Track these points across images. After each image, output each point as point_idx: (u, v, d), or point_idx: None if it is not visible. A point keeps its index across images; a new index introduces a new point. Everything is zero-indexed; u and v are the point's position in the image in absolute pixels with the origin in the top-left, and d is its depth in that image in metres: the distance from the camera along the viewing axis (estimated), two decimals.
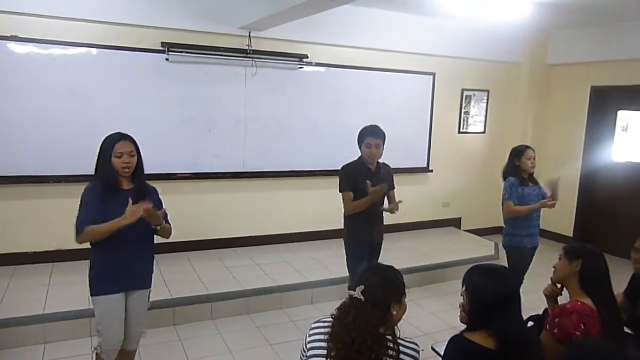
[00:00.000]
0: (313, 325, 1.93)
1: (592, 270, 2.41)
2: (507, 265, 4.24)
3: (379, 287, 1.88)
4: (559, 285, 2.57)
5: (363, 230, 3.84)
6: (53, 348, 3.73)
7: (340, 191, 3.82)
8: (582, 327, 2.20)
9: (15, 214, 4.80)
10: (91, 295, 2.86)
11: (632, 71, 6.22)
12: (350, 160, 3.90)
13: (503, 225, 4.37)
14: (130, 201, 2.66)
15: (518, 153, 4.26)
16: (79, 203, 2.74)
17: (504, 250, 4.38)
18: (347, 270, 3.96)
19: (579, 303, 2.29)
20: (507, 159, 4.34)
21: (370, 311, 1.81)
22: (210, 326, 4.23)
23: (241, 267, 5.13)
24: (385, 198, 3.92)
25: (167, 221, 2.93)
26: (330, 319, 1.90)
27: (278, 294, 4.65)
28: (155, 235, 2.94)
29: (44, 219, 4.89)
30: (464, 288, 2.01)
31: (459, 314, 2.03)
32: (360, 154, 3.85)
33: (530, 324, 2.58)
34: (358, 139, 3.82)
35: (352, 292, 1.88)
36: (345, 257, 3.96)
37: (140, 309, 3.00)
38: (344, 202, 3.80)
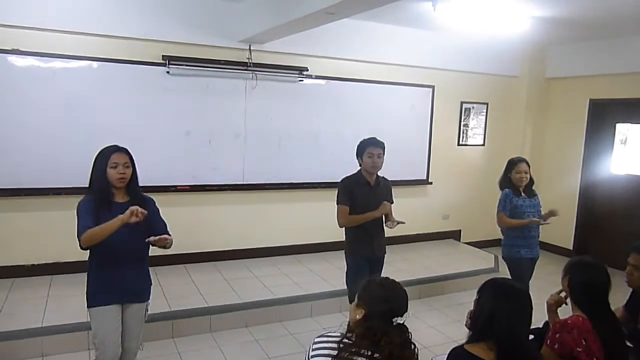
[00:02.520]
0: (317, 340, 1.90)
1: (580, 285, 2.41)
2: (510, 277, 4.24)
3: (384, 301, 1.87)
4: (563, 294, 2.56)
5: (363, 242, 3.83)
6: None
7: (336, 203, 3.81)
8: (584, 342, 2.19)
9: (14, 226, 4.80)
10: (87, 307, 2.86)
11: (631, 84, 6.26)
12: (350, 174, 3.90)
13: (497, 237, 4.40)
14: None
15: (511, 165, 4.32)
16: (76, 215, 2.72)
17: (507, 263, 4.38)
18: (347, 279, 3.91)
19: (580, 319, 2.27)
20: (503, 172, 4.40)
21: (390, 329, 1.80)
22: (209, 339, 4.20)
23: (240, 280, 5.11)
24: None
25: (167, 233, 2.88)
26: (337, 337, 1.86)
27: (277, 307, 4.63)
28: (152, 246, 2.87)
29: (43, 231, 4.88)
30: (477, 297, 2.01)
31: (465, 319, 2.03)
32: (359, 168, 3.86)
33: (530, 337, 2.57)
34: (358, 151, 3.83)
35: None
36: (347, 266, 3.94)
37: (137, 322, 2.98)
38: (338, 215, 3.79)
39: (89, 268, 2.86)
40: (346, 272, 3.93)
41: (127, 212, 2.55)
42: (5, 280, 4.68)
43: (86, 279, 2.88)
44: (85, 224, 2.63)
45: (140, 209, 2.57)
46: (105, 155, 2.76)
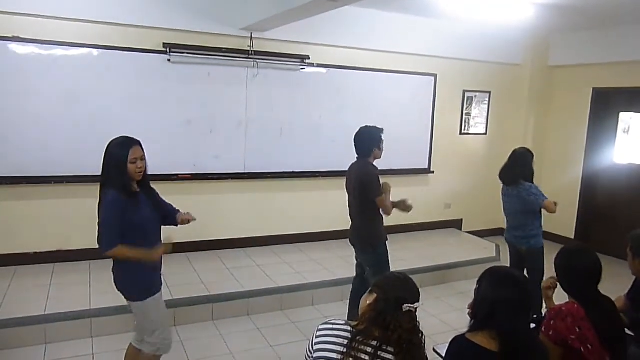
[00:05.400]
0: (321, 327, 1.90)
1: (563, 271, 2.42)
2: (533, 268, 4.25)
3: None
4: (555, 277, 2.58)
5: (384, 230, 3.91)
6: (54, 349, 3.72)
7: (376, 196, 3.71)
8: (578, 330, 2.19)
9: (17, 214, 4.80)
10: (138, 300, 2.84)
11: (634, 73, 6.22)
12: (367, 162, 3.85)
13: (499, 226, 4.37)
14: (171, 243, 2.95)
15: (532, 157, 4.27)
16: (105, 214, 2.69)
17: (535, 253, 4.28)
18: (379, 269, 3.74)
19: (575, 306, 2.27)
20: (523, 164, 4.23)
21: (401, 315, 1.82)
22: (211, 327, 4.23)
23: (242, 268, 5.12)
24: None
25: (178, 211, 3.10)
26: (341, 324, 1.87)
27: (279, 295, 4.65)
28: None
29: (45, 220, 4.89)
30: (477, 286, 2.02)
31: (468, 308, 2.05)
32: (370, 157, 3.83)
33: (532, 326, 2.57)
34: (373, 141, 3.80)
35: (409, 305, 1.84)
36: (373, 257, 3.90)
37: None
38: (384, 206, 3.74)
39: (125, 262, 2.80)
40: (380, 262, 3.85)
41: (160, 252, 2.88)
42: (8, 268, 4.69)
43: (119, 273, 2.86)
44: (114, 239, 2.67)
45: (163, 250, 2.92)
46: (123, 149, 2.73)
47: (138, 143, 2.80)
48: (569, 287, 2.39)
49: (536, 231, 4.27)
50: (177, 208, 3.11)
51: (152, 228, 2.88)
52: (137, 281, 2.84)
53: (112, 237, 2.66)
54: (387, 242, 3.93)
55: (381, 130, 3.85)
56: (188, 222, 3.04)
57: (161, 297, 2.98)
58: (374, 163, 3.86)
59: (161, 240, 2.98)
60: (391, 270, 3.72)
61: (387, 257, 3.92)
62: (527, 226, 4.26)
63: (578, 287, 2.35)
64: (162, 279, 3.04)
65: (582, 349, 2.17)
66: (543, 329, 2.29)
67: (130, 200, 2.72)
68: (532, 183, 4.20)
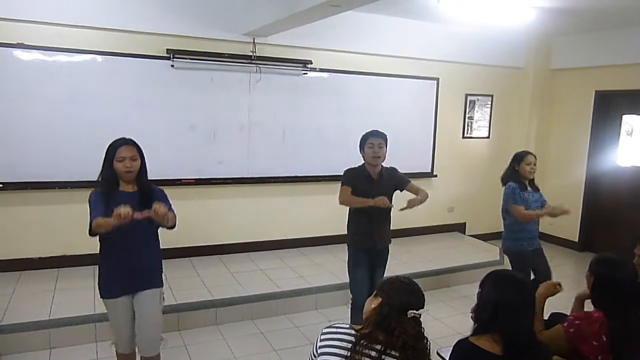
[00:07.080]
0: (325, 330, 1.91)
1: (602, 283, 2.35)
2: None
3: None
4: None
5: (364, 235, 3.80)
6: (59, 353, 3.74)
7: (340, 186, 3.79)
8: (604, 339, 2.19)
9: (21, 220, 4.83)
10: (100, 297, 2.93)
11: (637, 76, 6.21)
12: (361, 165, 3.88)
13: (502, 230, 4.45)
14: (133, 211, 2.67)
15: (518, 158, 4.33)
16: (88, 207, 2.79)
17: (512, 258, 4.40)
18: (349, 269, 3.91)
19: (604, 316, 2.25)
20: (508, 164, 4.42)
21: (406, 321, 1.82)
22: (214, 332, 4.23)
23: (245, 273, 5.13)
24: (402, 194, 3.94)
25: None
26: (345, 328, 1.88)
27: (282, 300, 4.65)
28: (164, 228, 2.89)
29: (49, 225, 4.91)
30: (479, 289, 2.02)
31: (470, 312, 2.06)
32: (363, 162, 3.84)
33: None
34: (360, 145, 3.82)
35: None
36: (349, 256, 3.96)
37: (153, 309, 2.96)
38: (340, 193, 3.75)
39: (100, 258, 2.91)
40: (347, 263, 3.94)
41: (114, 216, 2.53)
42: (13, 273, 4.72)
43: (97, 270, 2.94)
44: (96, 214, 2.70)
45: (124, 211, 2.52)
46: (112, 149, 2.80)
47: (129, 143, 2.83)
48: (602, 300, 2.32)
49: (512, 234, 4.32)
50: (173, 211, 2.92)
51: (128, 231, 2.69)
52: (101, 279, 2.91)
53: (93, 215, 2.71)
54: (359, 252, 3.84)
55: (368, 133, 3.80)
56: (163, 215, 2.69)
57: (127, 303, 2.90)
58: (372, 166, 3.82)
59: (145, 246, 2.92)
60: (353, 275, 3.82)
61: (352, 265, 3.86)
62: (506, 226, 4.38)
63: (611, 299, 2.28)
64: (165, 284, 3.04)
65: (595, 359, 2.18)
66: (566, 324, 2.28)
67: (110, 199, 2.73)
68: (515, 184, 4.23)
